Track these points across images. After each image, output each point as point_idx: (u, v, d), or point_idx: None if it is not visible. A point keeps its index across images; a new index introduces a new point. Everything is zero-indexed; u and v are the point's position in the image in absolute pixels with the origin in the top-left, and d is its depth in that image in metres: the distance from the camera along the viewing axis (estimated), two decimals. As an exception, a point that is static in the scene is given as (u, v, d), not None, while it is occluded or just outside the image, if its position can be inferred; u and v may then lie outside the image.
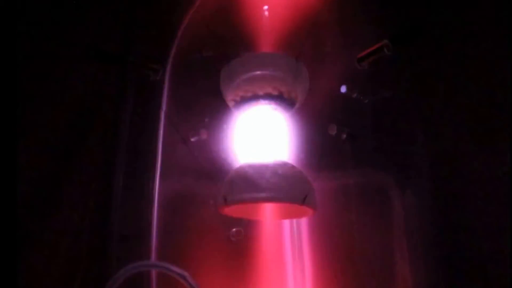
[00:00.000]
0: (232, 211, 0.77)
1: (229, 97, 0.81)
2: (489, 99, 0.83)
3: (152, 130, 0.83)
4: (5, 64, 0.78)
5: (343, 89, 0.82)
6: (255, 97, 0.78)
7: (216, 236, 0.85)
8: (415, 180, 0.83)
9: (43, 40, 0.88)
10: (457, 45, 0.88)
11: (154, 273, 0.81)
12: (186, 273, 0.70)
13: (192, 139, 0.82)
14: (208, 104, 0.84)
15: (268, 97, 0.78)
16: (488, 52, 0.85)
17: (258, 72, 0.78)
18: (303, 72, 0.81)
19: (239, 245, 0.85)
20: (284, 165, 0.76)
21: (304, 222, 0.85)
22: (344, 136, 0.82)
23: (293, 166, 0.77)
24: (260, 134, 0.79)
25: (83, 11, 0.92)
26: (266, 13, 0.85)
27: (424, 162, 0.83)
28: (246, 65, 0.79)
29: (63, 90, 0.88)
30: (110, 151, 0.85)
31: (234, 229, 0.84)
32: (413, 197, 0.82)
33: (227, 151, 0.81)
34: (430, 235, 0.81)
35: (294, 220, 0.86)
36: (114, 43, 0.91)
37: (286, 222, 0.86)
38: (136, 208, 0.83)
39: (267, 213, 0.82)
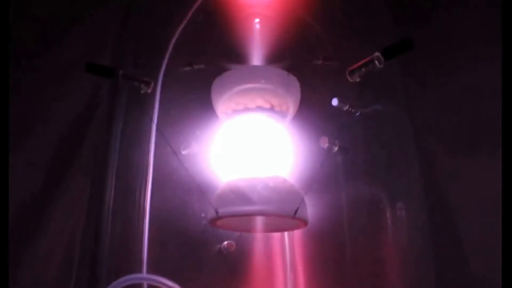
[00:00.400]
0: (223, 224, 0.77)
1: (220, 110, 0.81)
2: (480, 115, 0.84)
3: (144, 143, 0.83)
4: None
5: (335, 101, 0.82)
6: (246, 110, 0.78)
7: (207, 249, 0.84)
8: (406, 193, 0.83)
9: (34, 54, 0.89)
10: (449, 58, 0.88)
11: (145, 286, 0.81)
12: (177, 286, 0.70)
13: (183, 152, 0.81)
14: (199, 117, 0.84)
15: (260, 109, 0.78)
16: (480, 66, 0.86)
17: (249, 85, 0.78)
18: (295, 85, 0.82)
19: (231, 258, 0.85)
20: (276, 178, 0.76)
21: (296, 234, 0.85)
22: (336, 148, 0.82)
23: (284, 179, 0.76)
24: (252, 147, 0.78)
25: (75, 24, 0.92)
26: (257, 26, 0.85)
27: (416, 176, 0.84)
28: (237, 78, 0.79)
29: (55, 104, 0.88)
30: (102, 164, 0.85)
31: (225, 242, 0.84)
32: (404, 210, 0.82)
33: (219, 163, 0.81)
34: (421, 249, 0.81)
35: (286, 233, 0.86)
36: (105, 56, 0.92)
37: (278, 235, 0.86)
38: (128, 221, 0.83)
39: (259, 225, 0.81)
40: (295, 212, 0.71)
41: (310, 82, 0.84)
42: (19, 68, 0.88)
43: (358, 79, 0.81)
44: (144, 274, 0.80)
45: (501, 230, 0.72)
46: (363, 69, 0.80)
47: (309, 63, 0.87)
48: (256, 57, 0.83)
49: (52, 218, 0.85)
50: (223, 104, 0.81)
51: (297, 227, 0.77)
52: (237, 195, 0.73)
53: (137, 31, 0.91)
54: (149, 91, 0.85)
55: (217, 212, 0.72)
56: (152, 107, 0.84)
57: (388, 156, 0.84)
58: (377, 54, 0.77)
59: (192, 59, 0.86)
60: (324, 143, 0.82)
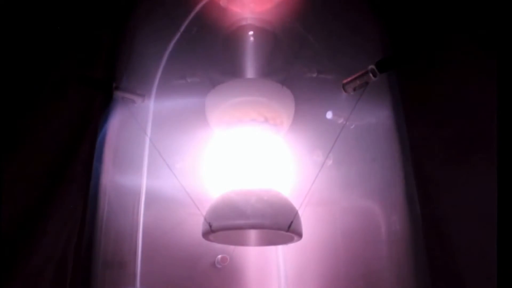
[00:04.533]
0: (217, 237, 0.76)
1: (214, 123, 0.81)
2: (473, 128, 0.84)
3: (137, 157, 0.83)
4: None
5: (329, 115, 0.83)
6: (240, 123, 0.79)
7: (201, 263, 0.84)
8: (401, 206, 0.83)
9: (28, 67, 0.89)
10: (444, 72, 0.88)
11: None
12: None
13: (177, 165, 0.81)
14: (193, 130, 0.84)
15: (254, 122, 0.78)
16: (475, 80, 0.86)
17: (243, 98, 0.78)
18: (289, 98, 0.82)
19: (225, 271, 0.84)
20: (270, 191, 0.76)
21: (290, 247, 0.84)
22: (330, 162, 0.82)
23: (278, 193, 0.76)
24: (246, 160, 0.78)
25: (69, 38, 0.92)
26: (252, 38, 0.85)
27: (410, 189, 0.83)
28: (231, 91, 0.79)
29: (48, 118, 0.88)
30: (95, 178, 0.84)
31: (219, 256, 0.84)
32: (398, 224, 0.82)
33: (212, 176, 0.81)
34: (416, 262, 0.81)
35: (280, 246, 0.85)
36: (98, 68, 0.92)
37: (273, 248, 0.86)
38: (121, 235, 0.82)
39: (253, 239, 0.81)
40: (289, 226, 0.70)
41: (305, 95, 0.84)
42: (12, 81, 0.88)
43: (352, 92, 0.81)
44: None
45: (496, 243, 0.72)
46: (358, 82, 0.80)
47: (303, 76, 0.87)
48: (250, 70, 0.83)
49: (44, 234, 0.85)
50: (217, 117, 0.81)
51: (291, 241, 0.76)
52: (231, 208, 0.73)
53: (131, 44, 0.91)
54: (143, 103, 0.85)
55: (210, 226, 0.71)
56: (146, 120, 0.84)
57: (383, 169, 0.84)
58: (371, 67, 0.77)
59: (185, 72, 0.87)
60: (318, 156, 0.82)
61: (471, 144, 0.85)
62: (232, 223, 0.72)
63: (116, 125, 0.86)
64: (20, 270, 0.82)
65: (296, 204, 0.75)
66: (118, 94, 0.83)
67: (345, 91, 0.82)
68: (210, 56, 0.87)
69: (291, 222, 0.71)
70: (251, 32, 0.85)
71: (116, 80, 0.86)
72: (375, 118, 0.85)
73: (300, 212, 0.74)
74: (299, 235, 0.74)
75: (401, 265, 0.81)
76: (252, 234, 0.81)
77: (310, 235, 0.77)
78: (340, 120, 0.82)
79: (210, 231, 0.72)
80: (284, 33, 0.87)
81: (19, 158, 0.86)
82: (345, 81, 0.82)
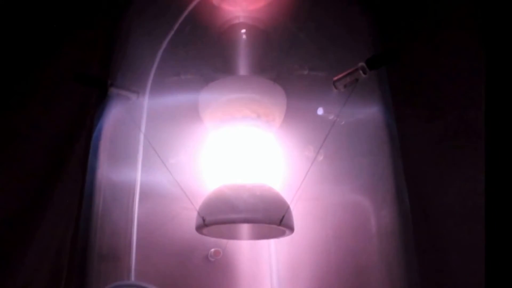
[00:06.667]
0: (210, 231, 0.77)
1: (207, 119, 0.82)
2: (463, 124, 0.85)
3: (132, 152, 0.84)
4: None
5: (320, 111, 0.83)
6: (233, 119, 0.80)
7: (194, 256, 0.85)
8: (391, 201, 0.84)
9: (24, 64, 0.90)
10: (433, 68, 0.89)
11: (133, 292, 0.81)
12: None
13: (171, 161, 0.82)
14: (187, 126, 0.85)
15: (246, 119, 0.79)
16: (464, 76, 0.87)
17: (236, 95, 0.80)
18: (281, 94, 0.83)
19: (217, 265, 0.85)
20: (262, 186, 0.77)
21: (282, 241, 0.85)
22: (321, 157, 0.83)
23: (270, 187, 0.77)
24: (238, 156, 0.80)
25: (65, 36, 0.93)
26: (244, 36, 0.86)
27: (400, 184, 0.85)
28: (223, 88, 0.81)
29: (44, 114, 0.89)
30: (90, 173, 0.85)
31: (212, 249, 0.85)
32: (388, 219, 0.83)
33: (206, 172, 0.82)
34: (406, 257, 0.82)
35: (272, 240, 0.87)
36: (94, 66, 0.92)
37: (264, 242, 0.87)
38: (115, 229, 0.83)
39: (245, 233, 0.82)
40: (281, 220, 0.72)
41: (296, 92, 0.85)
42: (7, 79, 0.89)
43: (343, 89, 0.82)
44: (132, 281, 0.81)
45: (484, 236, 0.73)
46: (348, 79, 0.81)
47: (295, 73, 0.88)
48: (243, 68, 0.84)
49: (41, 227, 0.86)
50: (210, 114, 0.82)
51: (282, 235, 0.77)
52: (223, 203, 0.74)
53: (126, 42, 0.92)
54: (137, 100, 0.86)
55: (204, 220, 0.73)
56: (140, 116, 0.85)
57: (373, 164, 0.85)
58: (361, 64, 0.78)
59: (179, 69, 0.88)
60: (310, 151, 0.83)
61: (460, 140, 0.86)
62: (225, 217, 0.73)
63: (111, 121, 0.87)
64: (17, 264, 0.83)
65: (287, 198, 0.76)
66: (113, 91, 0.84)
67: (336, 88, 0.83)
68: (203, 53, 0.88)
69: (283, 216, 0.72)
70: (243, 30, 0.86)
71: (111, 77, 0.87)
72: (365, 114, 0.86)
73: (291, 207, 0.75)
74: (291, 229, 0.75)
75: (390, 258, 0.82)
76: (245, 228, 0.82)
77: (301, 229, 0.78)
78: (331, 117, 0.82)
79: (203, 225, 0.73)
80: (276, 31, 0.88)
81: (15, 155, 0.87)
82: (335, 78, 0.82)
